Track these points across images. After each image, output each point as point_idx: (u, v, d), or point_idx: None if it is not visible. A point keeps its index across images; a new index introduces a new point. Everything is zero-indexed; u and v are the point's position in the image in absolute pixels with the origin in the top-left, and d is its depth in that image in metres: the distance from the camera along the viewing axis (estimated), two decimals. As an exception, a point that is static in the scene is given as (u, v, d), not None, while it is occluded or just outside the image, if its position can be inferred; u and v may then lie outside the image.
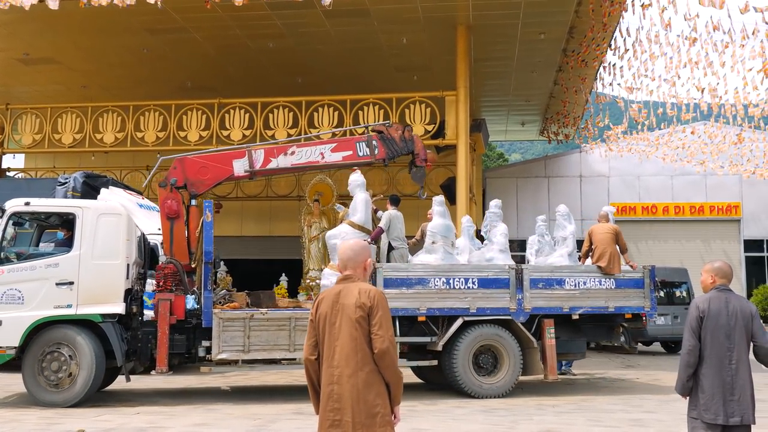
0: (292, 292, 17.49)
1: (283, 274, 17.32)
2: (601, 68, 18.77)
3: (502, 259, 11.02)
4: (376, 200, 12.12)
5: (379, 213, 11.22)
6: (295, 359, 9.98)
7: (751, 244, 23.87)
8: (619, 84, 18.14)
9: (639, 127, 20.41)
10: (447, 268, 10.37)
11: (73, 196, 12.80)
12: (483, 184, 24.40)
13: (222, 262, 16.87)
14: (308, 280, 15.65)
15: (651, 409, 9.39)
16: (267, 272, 19.89)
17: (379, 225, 10.75)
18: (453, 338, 10.14)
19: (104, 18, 15.66)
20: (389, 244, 10.75)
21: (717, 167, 22.53)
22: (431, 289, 10.16)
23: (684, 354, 4.81)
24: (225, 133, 16.86)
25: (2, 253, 9.47)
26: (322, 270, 11.81)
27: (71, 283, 9.36)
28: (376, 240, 10.56)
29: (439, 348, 10.15)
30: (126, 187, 14.28)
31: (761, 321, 4.84)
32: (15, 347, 9.17)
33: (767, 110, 18.00)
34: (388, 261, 10.61)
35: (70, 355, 9.22)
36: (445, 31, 16.21)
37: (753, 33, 14.11)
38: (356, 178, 10.84)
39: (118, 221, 9.85)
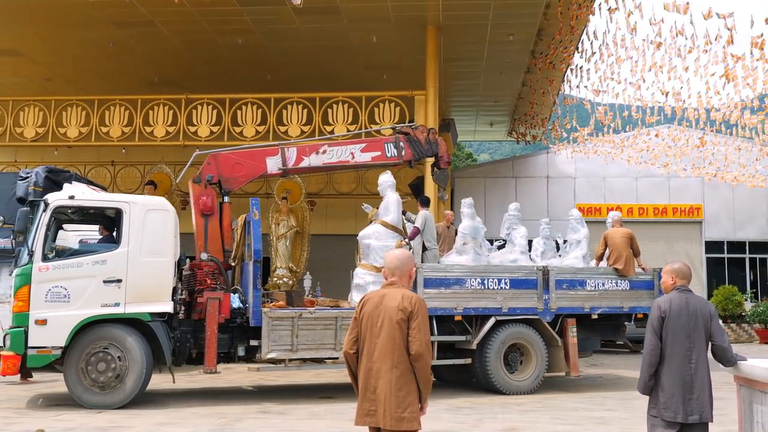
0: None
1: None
2: (569, 70, 18.99)
3: (524, 261, 11.51)
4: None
5: (408, 214, 11.35)
6: (338, 358, 10.00)
7: (712, 246, 24.35)
8: (585, 86, 18.36)
9: (605, 129, 20.68)
10: (482, 268, 10.74)
11: (35, 192, 12.55)
12: (451, 183, 24.47)
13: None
14: (275, 278, 15.58)
15: (613, 407, 9.53)
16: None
17: (414, 225, 10.90)
18: (486, 337, 10.47)
19: (69, 10, 15.41)
20: (423, 244, 10.92)
21: (680, 170, 22.94)
22: (467, 289, 10.46)
23: (646, 353, 4.90)
24: (192, 129, 16.67)
25: (46, 250, 8.91)
26: (286, 268, 11.78)
27: (119, 280, 8.98)
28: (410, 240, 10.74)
29: (474, 346, 10.41)
30: (90, 183, 14.05)
31: (720, 321, 4.97)
32: (61, 347, 8.71)
33: (729, 115, 18.39)
34: (422, 261, 10.76)
35: (118, 356, 8.86)
36: (415, 30, 16.25)
37: (716, 39, 14.39)
38: (387, 178, 10.85)
39: (166, 217, 9.49)
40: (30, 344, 8.62)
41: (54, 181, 12.91)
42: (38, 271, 8.74)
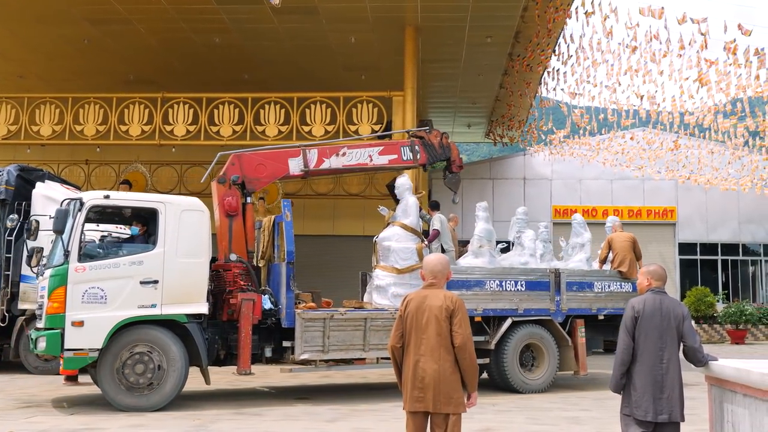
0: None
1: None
2: (546, 73, 19.15)
3: (534, 263, 11.95)
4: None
5: (421, 212, 11.37)
6: (365, 359, 10.18)
7: (685, 248, 24.68)
8: (562, 89, 18.55)
9: (581, 131, 20.89)
10: (500, 271, 11.09)
11: (7, 190, 12.34)
12: (429, 184, 24.50)
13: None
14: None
15: (587, 407, 9.62)
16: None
17: (434, 228, 11.16)
18: (503, 337, 10.76)
19: (42, 6, 15.22)
20: (441, 247, 11.17)
21: (654, 172, 23.24)
22: (486, 291, 10.74)
23: (619, 352, 4.99)
24: (168, 128, 16.53)
25: (83, 250, 8.72)
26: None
27: (156, 281, 8.83)
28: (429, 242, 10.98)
29: (492, 347, 10.64)
30: (64, 182, 13.89)
31: (692, 323, 5.06)
32: (98, 349, 8.50)
33: (702, 118, 18.64)
34: None
35: (156, 358, 8.74)
36: (393, 31, 16.27)
37: (690, 43, 14.59)
38: (405, 181, 11.00)
39: (201, 218, 9.37)
40: (66, 346, 8.43)
41: (26, 179, 12.74)
42: (75, 271, 8.55)
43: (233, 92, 16.77)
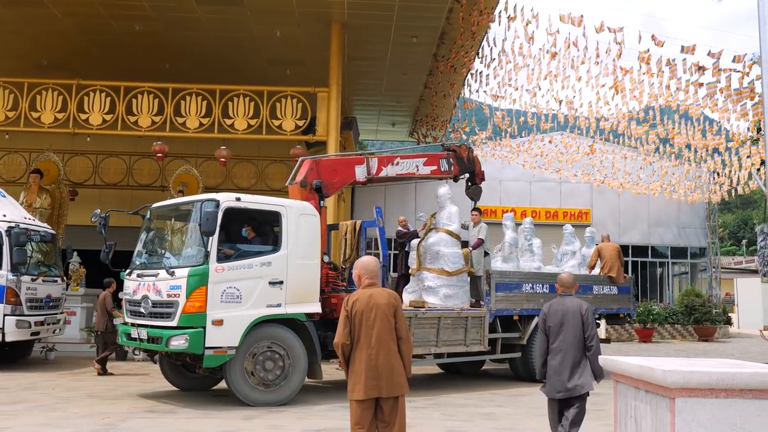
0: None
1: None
2: (469, 75, 19.45)
3: (545, 268, 13.52)
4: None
5: (465, 223, 12.37)
6: (433, 354, 11.09)
7: (598, 249, 25.50)
8: (485, 91, 18.88)
9: (502, 133, 21.34)
10: (532, 275, 12.46)
11: None
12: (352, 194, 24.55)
13: (75, 253, 15.95)
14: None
15: (502, 403, 9.83)
16: (125, 264, 18.93)
17: (479, 237, 12.15)
18: (531, 334, 11.82)
19: (-52, -17, 14.40)
20: (485, 251, 12.24)
21: (571, 175, 23.97)
22: (522, 293, 12.02)
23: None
24: (83, 116, 15.93)
25: (222, 251, 8.98)
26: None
27: (281, 282, 9.25)
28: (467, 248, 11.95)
29: (525, 342, 11.89)
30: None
31: (592, 318, 6.33)
32: (235, 347, 8.79)
33: (617, 124, 19.35)
34: (484, 267, 11.96)
35: (284, 355, 9.11)
36: (319, 27, 16.18)
37: (606, 52, 15.12)
38: (446, 191, 11.97)
39: (315, 222, 9.90)
40: (207, 344, 8.66)
41: None
42: (215, 271, 8.82)
43: (153, 82, 16.28)
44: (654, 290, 27.15)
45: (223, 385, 11.20)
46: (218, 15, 15.76)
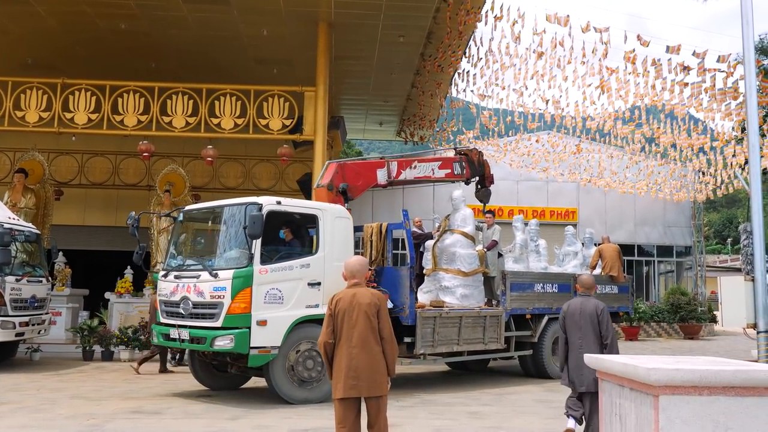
0: (138, 285, 16.74)
1: (129, 267, 16.53)
2: (456, 74, 19.48)
3: (551, 268, 13.84)
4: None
5: (478, 224, 12.62)
6: (462, 353, 11.36)
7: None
8: (472, 91, 18.93)
9: (489, 133, 21.38)
10: (542, 275, 12.79)
11: None
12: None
13: (60, 253, 15.85)
14: (156, 273, 15.03)
15: (488, 402, 9.86)
16: (111, 264, 18.89)
17: (493, 239, 12.49)
18: (542, 332, 12.31)
19: (-69, -19, 14.24)
20: (498, 253, 12.60)
21: (558, 174, 24.08)
22: (534, 293, 12.34)
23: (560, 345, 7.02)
24: (68, 115, 15.81)
25: (264, 253, 9.13)
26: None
27: (319, 283, 9.50)
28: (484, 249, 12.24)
29: (536, 340, 12.30)
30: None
31: (608, 318, 6.76)
32: (278, 347, 9.02)
33: (603, 124, 19.44)
34: (498, 268, 12.28)
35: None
36: (306, 26, 16.14)
37: (592, 52, 15.18)
38: (461, 194, 12.12)
39: (347, 224, 10.20)
40: (252, 344, 8.86)
41: None
42: (259, 273, 9.02)
43: (139, 81, 16.18)
44: (640, 289, 27.30)
45: (219, 386, 11.19)
46: (204, 14, 15.69)
